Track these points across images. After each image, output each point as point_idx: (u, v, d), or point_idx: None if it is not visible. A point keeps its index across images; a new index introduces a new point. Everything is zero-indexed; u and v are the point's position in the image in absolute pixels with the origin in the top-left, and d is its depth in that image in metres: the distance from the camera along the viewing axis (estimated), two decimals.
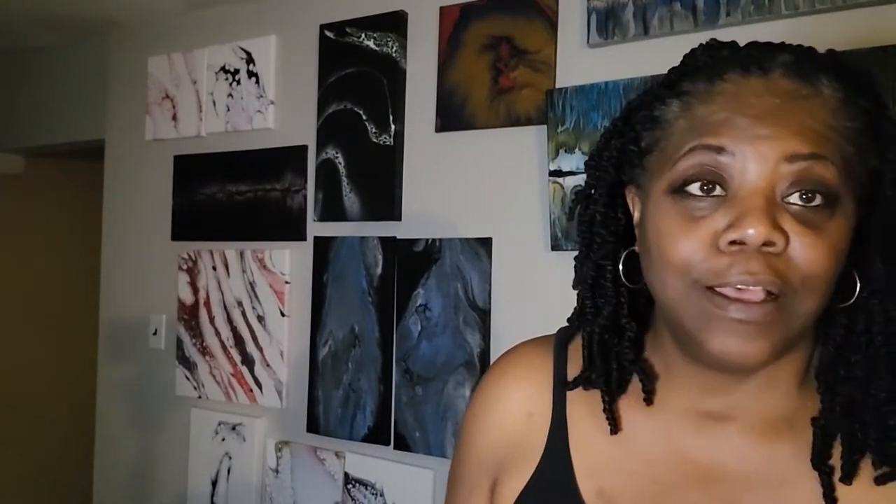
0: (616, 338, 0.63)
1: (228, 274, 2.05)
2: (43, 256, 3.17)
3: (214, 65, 2.11)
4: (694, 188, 0.53)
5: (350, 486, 1.80)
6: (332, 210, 1.88)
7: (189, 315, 2.12)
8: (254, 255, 2.01)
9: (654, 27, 1.47)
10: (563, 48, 1.59)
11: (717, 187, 0.52)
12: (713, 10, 1.40)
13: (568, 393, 0.65)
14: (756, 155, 0.51)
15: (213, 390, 2.06)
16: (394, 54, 1.79)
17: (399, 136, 1.79)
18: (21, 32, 2.50)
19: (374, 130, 1.81)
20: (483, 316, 1.64)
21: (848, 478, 0.55)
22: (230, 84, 2.08)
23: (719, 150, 0.52)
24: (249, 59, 2.05)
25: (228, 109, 2.08)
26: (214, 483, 2.04)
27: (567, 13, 1.59)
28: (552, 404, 0.65)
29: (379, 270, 1.80)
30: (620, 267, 0.62)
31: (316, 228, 1.93)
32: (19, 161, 3.01)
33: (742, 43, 0.57)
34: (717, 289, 0.52)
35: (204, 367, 2.08)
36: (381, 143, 1.80)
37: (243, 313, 2.02)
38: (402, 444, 1.73)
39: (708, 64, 0.56)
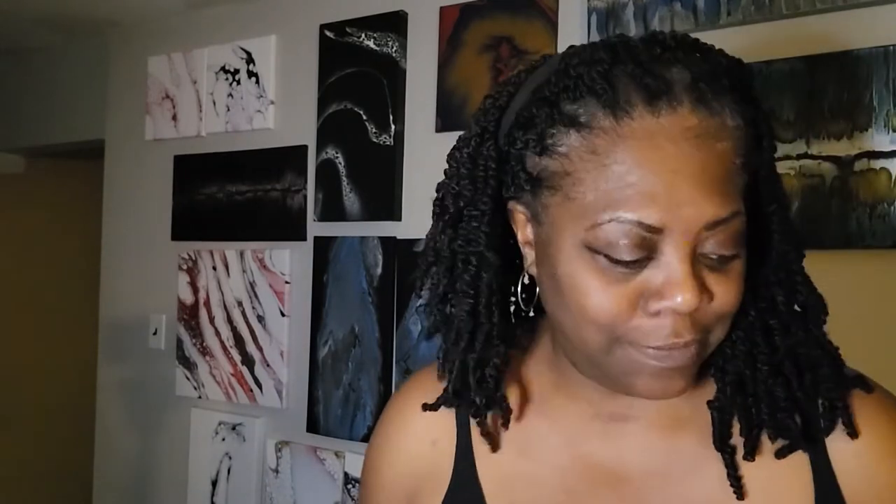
0: (480, 369, 0.59)
1: (228, 274, 2.05)
2: (43, 256, 3.17)
3: (214, 65, 2.11)
4: (617, 256, 0.50)
5: (350, 486, 1.80)
6: (332, 210, 1.88)
7: (189, 315, 2.12)
8: (254, 255, 2.01)
9: (654, 27, 1.46)
10: (563, 48, 1.59)
11: (643, 255, 0.50)
12: (714, 9, 1.40)
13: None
14: (681, 226, 0.49)
15: (213, 390, 2.06)
16: (394, 54, 1.79)
17: (399, 136, 1.79)
18: (21, 32, 2.50)
19: (374, 130, 1.81)
20: None
21: (751, 454, 0.55)
22: (230, 84, 2.08)
23: (648, 228, 0.49)
24: (249, 59, 2.05)
25: (228, 109, 2.08)
26: (214, 483, 2.04)
27: (567, 13, 1.59)
28: (456, 427, 0.65)
29: (379, 270, 1.80)
30: (521, 295, 0.60)
31: (316, 228, 1.93)
32: (19, 161, 3.01)
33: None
34: (641, 347, 0.52)
35: (204, 367, 2.08)
36: (381, 143, 1.80)
37: (243, 313, 2.02)
38: None
39: (602, 87, 0.50)
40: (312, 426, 1.88)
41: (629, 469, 0.59)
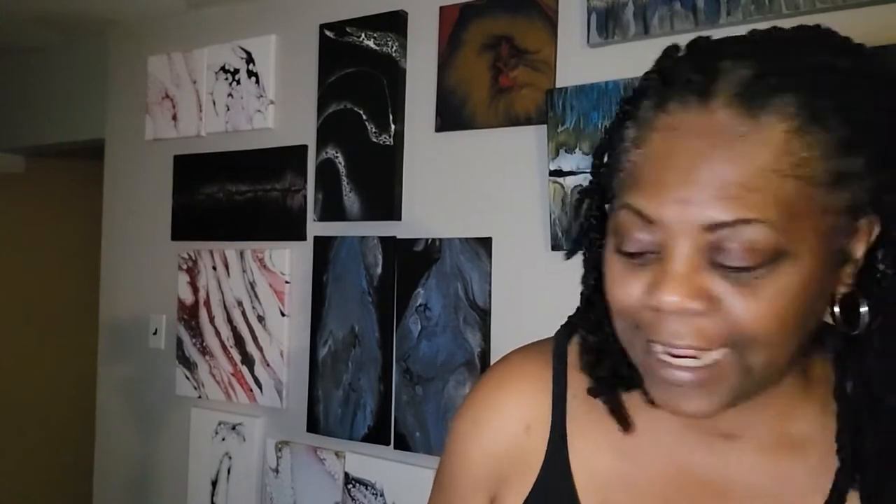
0: (612, 354, 0.60)
1: (228, 274, 2.05)
2: (43, 256, 3.17)
3: (214, 64, 2.11)
4: (624, 245, 0.51)
5: (350, 485, 1.80)
6: (332, 210, 1.88)
7: (189, 315, 2.12)
8: (254, 254, 2.01)
9: (654, 27, 1.47)
10: (563, 48, 1.59)
11: (647, 249, 0.51)
12: (713, 9, 1.40)
13: (569, 404, 0.62)
14: (678, 223, 0.48)
15: (213, 390, 2.06)
16: (394, 54, 1.79)
17: (399, 135, 1.79)
18: (21, 32, 2.50)
19: (374, 130, 1.81)
20: (483, 316, 1.64)
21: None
22: (230, 84, 2.08)
23: (645, 218, 0.49)
24: (249, 59, 2.05)
25: (228, 109, 2.08)
26: (214, 483, 2.04)
27: (567, 13, 1.59)
28: (551, 416, 0.63)
29: (379, 270, 1.80)
30: None
31: (316, 228, 1.93)
32: (19, 161, 3.02)
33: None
34: (654, 344, 0.51)
35: (204, 366, 2.08)
36: (381, 142, 1.80)
37: (243, 313, 2.02)
38: (402, 444, 1.73)
39: (662, 80, 0.52)
40: (312, 426, 1.88)
41: (733, 488, 0.56)
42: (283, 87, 2.02)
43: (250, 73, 2.05)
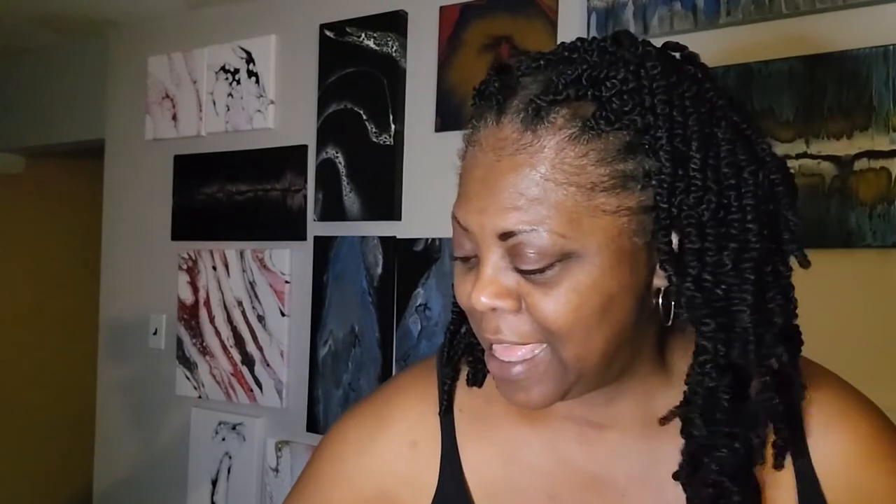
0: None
1: (228, 274, 2.05)
2: (43, 256, 3.17)
3: (214, 64, 2.11)
4: (457, 254, 0.55)
5: None
6: (332, 210, 1.88)
7: (189, 315, 2.12)
8: (254, 254, 2.01)
9: (653, 27, 1.47)
10: None
11: (467, 253, 0.55)
12: (713, 9, 1.40)
13: (457, 417, 0.64)
14: (478, 230, 0.52)
15: (213, 390, 2.06)
16: (394, 54, 1.79)
17: (399, 135, 1.79)
18: (21, 32, 2.50)
19: (374, 130, 1.81)
20: None
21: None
22: (230, 84, 2.08)
23: (462, 226, 0.53)
24: (249, 59, 2.05)
25: (228, 109, 2.08)
26: (214, 483, 2.04)
27: (567, 13, 1.59)
28: (440, 431, 0.64)
29: (379, 270, 1.80)
30: None
31: (316, 228, 1.93)
32: (19, 161, 3.01)
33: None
34: (484, 340, 0.55)
35: (204, 366, 2.08)
36: (381, 142, 1.80)
37: (243, 313, 2.02)
38: None
39: (479, 97, 0.56)
40: (312, 426, 1.88)
41: (613, 474, 0.59)
42: (283, 87, 2.02)
43: (250, 73, 2.05)
